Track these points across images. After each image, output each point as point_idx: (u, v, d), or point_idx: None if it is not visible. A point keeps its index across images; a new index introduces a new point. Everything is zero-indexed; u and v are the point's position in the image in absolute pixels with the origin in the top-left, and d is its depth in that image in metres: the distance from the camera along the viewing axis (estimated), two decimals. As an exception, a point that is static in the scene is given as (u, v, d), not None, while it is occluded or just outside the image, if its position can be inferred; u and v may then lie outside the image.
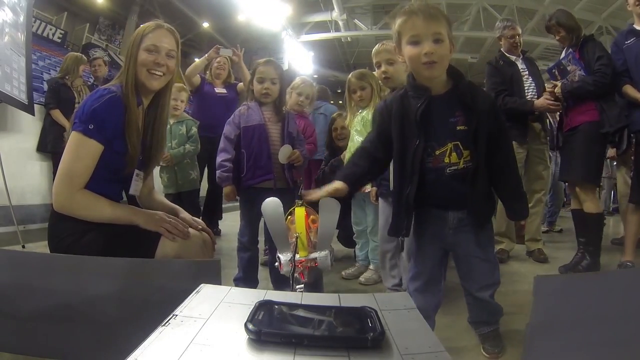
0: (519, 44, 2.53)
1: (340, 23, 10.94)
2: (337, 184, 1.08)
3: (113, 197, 1.15)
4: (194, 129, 2.54)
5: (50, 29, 9.54)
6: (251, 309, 0.56)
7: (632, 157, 2.20)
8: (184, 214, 1.27)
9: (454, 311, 1.46)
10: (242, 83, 2.92)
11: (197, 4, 10.58)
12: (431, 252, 1.18)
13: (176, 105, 2.46)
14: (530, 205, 2.53)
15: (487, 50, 10.26)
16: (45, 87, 5.09)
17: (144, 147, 1.23)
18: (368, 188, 1.85)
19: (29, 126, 3.51)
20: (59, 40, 9.72)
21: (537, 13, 9.71)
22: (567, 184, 2.46)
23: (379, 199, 1.78)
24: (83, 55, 3.78)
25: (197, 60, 3.04)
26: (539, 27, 9.49)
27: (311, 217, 1.07)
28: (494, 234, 1.49)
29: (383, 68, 1.59)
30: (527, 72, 2.49)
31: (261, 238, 1.89)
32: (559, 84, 2.18)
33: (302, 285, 0.92)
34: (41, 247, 1.21)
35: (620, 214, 3.28)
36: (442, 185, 1.08)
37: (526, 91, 2.44)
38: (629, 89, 2.04)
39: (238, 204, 1.85)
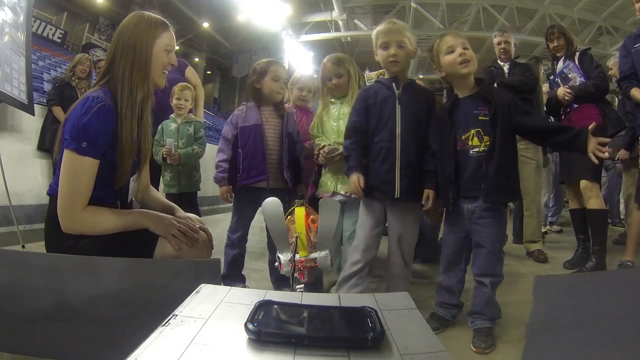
0: (507, 51, 2.66)
1: (340, 23, 10.95)
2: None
3: (109, 201, 1.13)
4: (202, 132, 2.53)
5: (50, 29, 9.54)
6: (251, 309, 0.56)
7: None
8: (180, 212, 1.26)
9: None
10: None
11: (197, 4, 10.59)
12: (452, 241, 1.43)
13: (180, 105, 2.44)
14: (524, 208, 2.71)
15: (487, 50, 10.27)
16: (46, 87, 5.11)
17: (137, 148, 1.20)
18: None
19: (29, 126, 3.51)
20: (59, 40, 9.72)
21: (537, 13, 9.71)
22: (565, 184, 2.51)
23: (362, 201, 1.54)
24: (88, 56, 3.80)
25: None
26: (539, 27, 9.51)
27: (311, 217, 1.07)
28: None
29: (392, 50, 1.42)
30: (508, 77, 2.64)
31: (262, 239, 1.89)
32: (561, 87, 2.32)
33: (302, 285, 0.92)
34: (41, 247, 1.20)
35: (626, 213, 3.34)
36: (468, 165, 1.34)
37: None
38: (636, 92, 2.09)
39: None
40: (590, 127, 1.21)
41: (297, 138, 1.81)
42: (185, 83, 2.51)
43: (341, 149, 1.58)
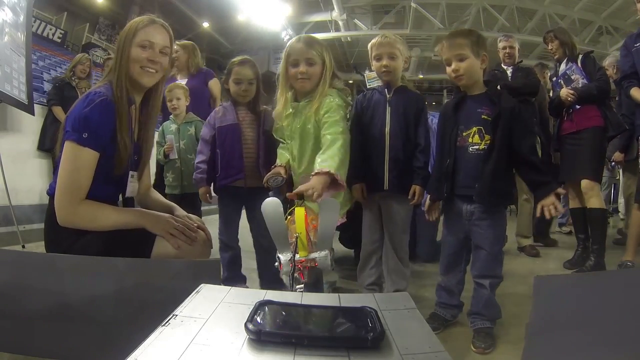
0: (512, 55, 2.72)
1: (340, 23, 10.93)
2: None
3: (109, 199, 1.14)
4: None
5: (50, 29, 9.51)
6: (251, 309, 0.56)
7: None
8: (179, 211, 1.26)
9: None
10: None
11: (197, 4, 10.56)
12: (451, 242, 1.44)
13: (174, 105, 2.42)
14: (519, 205, 2.79)
15: (486, 50, 10.24)
16: (46, 87, 5.12)
17: (137, 147, 1.22)
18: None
19: (29, 126, 3.51)
20: (59, 40, 9.68)
21: (537, 13, 9.69)
22: (565, 184, 2.53)
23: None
24: (88, 56, 3.81)
25: None
26: (539, 27, 9.50)
27: (311, 217, 1.07)
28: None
29: (384, 62, 1.54)
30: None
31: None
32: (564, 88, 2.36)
33: (302, 285, 0.92)
34: (41, 247, 1.20)
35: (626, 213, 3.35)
36: (466, 162, 1.35)
37: None
38: (636, 92, 2.11)
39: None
40: (558, 190, 1.27)
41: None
42: (174, 82, 2.49)
43: (285, 174, 1.43)
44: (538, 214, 1.30)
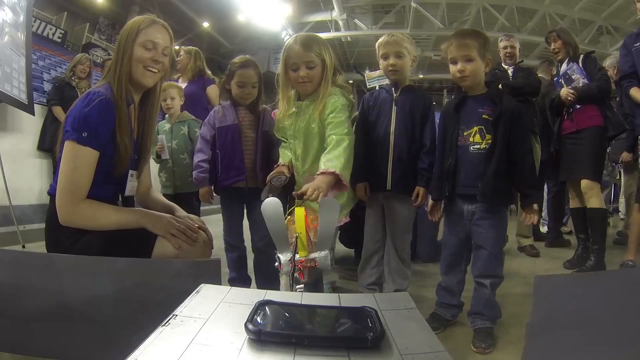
0: (512, 55, 2.72)
1: (340, 23, 10.94)
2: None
3: (110, 199, 1.14)
4: (198, 132, 2.50)
5: (50, 29, 9.52)
6: (251, 309, 0.56)
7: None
8: (180, 211, 1.26)
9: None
10: None
11: (197, 4, 10.57)
12: (452, 242, 1.44)
13: (168, 105, 2.40)
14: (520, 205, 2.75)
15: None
16: (46, 87, 5.12)
17: (137, 146, 1.22)
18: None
19: (29, 126, 3.52)
20: (59, 40, 9.70)
21: (537, 13, 9.70)
22: (566, 184, 2.54)
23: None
24: (88, 56, 3.81)
25: None
26: (539, 27, 9.51)
27: (311, 217, 1.07)
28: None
29: (391, 61, 1.53)
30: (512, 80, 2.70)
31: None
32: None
33: (302, 285, 0.92)
34: (41, 247, 1.20)
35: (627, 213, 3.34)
36: (467, 161, 1.36)
37: None
38: (635, 92, 2.11)
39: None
40: (535, 205, 1.35)
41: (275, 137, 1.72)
42: (168, 82, 2.47)
43: (289, 173, 1.42)
44: (522, 218, 1.32)
